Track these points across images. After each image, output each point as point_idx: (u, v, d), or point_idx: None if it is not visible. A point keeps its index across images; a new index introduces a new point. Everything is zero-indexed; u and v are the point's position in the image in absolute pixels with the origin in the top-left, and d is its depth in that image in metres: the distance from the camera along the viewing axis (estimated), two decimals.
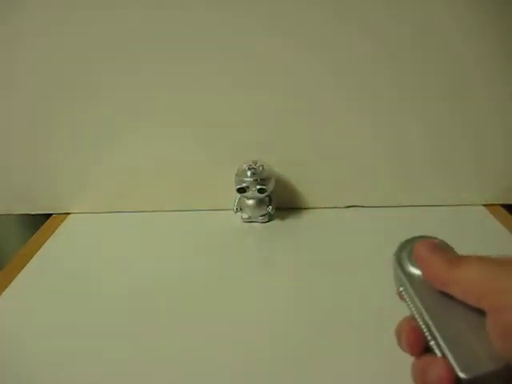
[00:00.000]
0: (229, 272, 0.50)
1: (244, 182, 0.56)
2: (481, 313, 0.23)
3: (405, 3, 0.52)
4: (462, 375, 0.22)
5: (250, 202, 0.58)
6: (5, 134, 0.59)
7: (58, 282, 0.50)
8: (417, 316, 0.25)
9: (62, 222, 0.62)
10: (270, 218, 0.60)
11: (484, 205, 0.63)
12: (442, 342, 0.23)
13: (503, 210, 0.61)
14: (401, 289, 0.27)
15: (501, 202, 0.63)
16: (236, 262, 0.52)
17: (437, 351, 0.23)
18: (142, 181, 0.62)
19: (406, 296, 0.26)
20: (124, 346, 0.41)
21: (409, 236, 0.28)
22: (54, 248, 0.57)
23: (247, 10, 0.53)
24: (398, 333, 0.26)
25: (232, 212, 0.59)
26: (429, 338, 0.24)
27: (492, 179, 0.62)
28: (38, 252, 0.56)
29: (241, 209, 0.59)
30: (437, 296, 0.25)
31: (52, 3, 0.52)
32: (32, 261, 0.54)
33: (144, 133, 0.59)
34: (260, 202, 0.58)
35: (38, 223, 0.63)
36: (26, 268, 0.53)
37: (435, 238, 0.27)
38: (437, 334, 0.24)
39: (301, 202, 0.63)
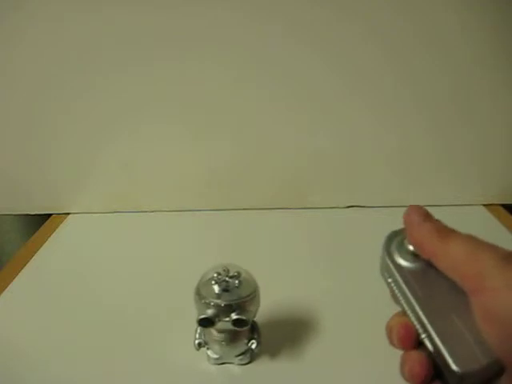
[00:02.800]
0: None
1: (209, 306, 0.33)
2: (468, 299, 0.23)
3: (413, 9, 0.52)
4: (456, 369, 0.22)
5: (220, 336, 0.35)
6: (5, 134, 0.59)
7: (58, 282, 0.50)
8: (407, 308, 0.25)
9: (61, 222, 0.62)
10: (253, 357, 0.38)
11: (484, 205, 0.63)
12: (434, 336, 0.23)
13: (503, 210, 0.62)
14: (389, 280, 0.27)
15: (501, 202, 0.63)
16: None
17: (428, 345, 0.23)
18: (142, 181, 0.62)
19: (394, 287, 0.26)
20: (123, 346, 0.41)
21: None
22: (54, 248, 0.57)
23: (252, 8, 0.52)
24: (389, 328, 0.26)
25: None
26: (420, 331, 0.24)
27: (492, 179, 0.62)
28: (38, 252, 0.56)
29: (205, 343, 0.37)
30: (427, 286, 0.25)
31: (49, 2, 0.52)
32: (32, 261, 0.54)
33: (144, 133, 0.59)
34: (236, 335, 0.36)
35: (38, 223, 0.63)
36: (25, 268, 0.52)
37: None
38: (429, 327, 0.24)
39: (301, 201, 0.63)
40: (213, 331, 0.35)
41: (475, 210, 0.62)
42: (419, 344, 0.24)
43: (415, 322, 0.24)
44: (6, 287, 0.49)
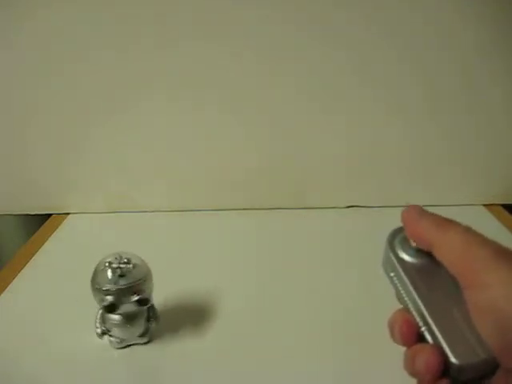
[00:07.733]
0: None
1: (108, 293, 0.36)
2: None
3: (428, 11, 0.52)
4: (454, 361, 0.22)
5: (121, 319, 0.38)
6: (4, 134, 0.59)
7: (58, 282, 0.50)
8: (408, 302, 0.25)
9: (61, 221, 0.62)
10: (153, 334, 0.41)
11: (484, 205, 0.63)
12: (434, 328, 0.23)
13: (503, 210, 0.62)
14: (392, 274, 0.27)
15: (501, 202, 0.63)
16: None
17: (428, 337, 0.23)
18: (142, 180, 0.62)
19: (397, 281, 0.26)
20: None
21: None
22: (54, 248, 0.57)
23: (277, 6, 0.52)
24: (391, 324, 0.26)
25: None
26: (420, 324, 0.24)
27: (492, 179, 0.62)
28: (38, 252, 0.56)
29: (108, 330, 0.39)
30: (429, 281, 0.25)
31: None
32: (32, 261, 0.54)
33: (144, 133, 0.59)
34: (136, 316, 0.38)
35: (37, 223, 0.63)
36: (25, 268, 0.52)
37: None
38: (429, 320, 0.24)
39: (301, 202, 0.63)
40: (113, 316, 0.38)
41: (475, 209, 0.62)
42: (421, 340, 0.24)
43: (416, 315, 0.24)
44: (6, 287, 0.49)
